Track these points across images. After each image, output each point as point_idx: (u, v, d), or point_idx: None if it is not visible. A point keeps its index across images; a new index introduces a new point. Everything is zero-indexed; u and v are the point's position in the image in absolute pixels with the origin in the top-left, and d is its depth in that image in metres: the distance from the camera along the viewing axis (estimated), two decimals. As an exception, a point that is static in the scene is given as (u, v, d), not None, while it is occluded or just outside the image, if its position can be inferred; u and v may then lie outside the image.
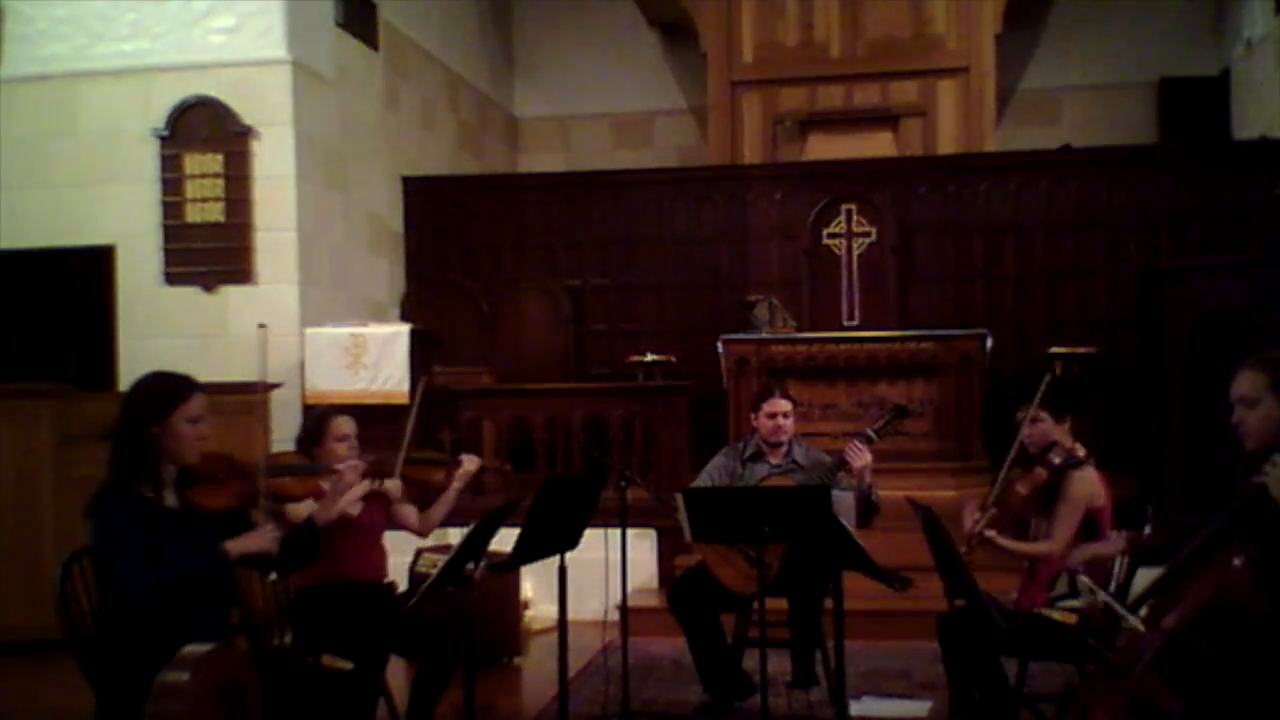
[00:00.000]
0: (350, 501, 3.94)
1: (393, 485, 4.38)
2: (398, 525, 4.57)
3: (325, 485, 3.86)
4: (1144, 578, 3.79)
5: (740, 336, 7.80)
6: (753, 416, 5.10)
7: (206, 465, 3.40)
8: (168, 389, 3.36)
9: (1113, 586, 3.95)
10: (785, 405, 4.99)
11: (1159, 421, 7.44)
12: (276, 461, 3.82)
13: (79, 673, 3.28)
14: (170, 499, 3.34)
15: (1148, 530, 4.01)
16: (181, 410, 3.31)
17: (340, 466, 3.87)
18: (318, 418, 4.40)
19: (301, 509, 3.85)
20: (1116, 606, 3.02)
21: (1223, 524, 2.84)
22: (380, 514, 4.44)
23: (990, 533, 4.10)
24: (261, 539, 3.34)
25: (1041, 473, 4.13)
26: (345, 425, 4.34)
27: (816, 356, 7.64)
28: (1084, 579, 3.52)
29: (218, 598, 3.33)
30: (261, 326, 3.86)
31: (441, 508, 4.56)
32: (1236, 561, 2.72)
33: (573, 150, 11.51)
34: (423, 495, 4.66)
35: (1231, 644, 2.72)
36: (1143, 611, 2.93)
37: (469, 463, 4.53)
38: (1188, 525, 3.41)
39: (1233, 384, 3.06)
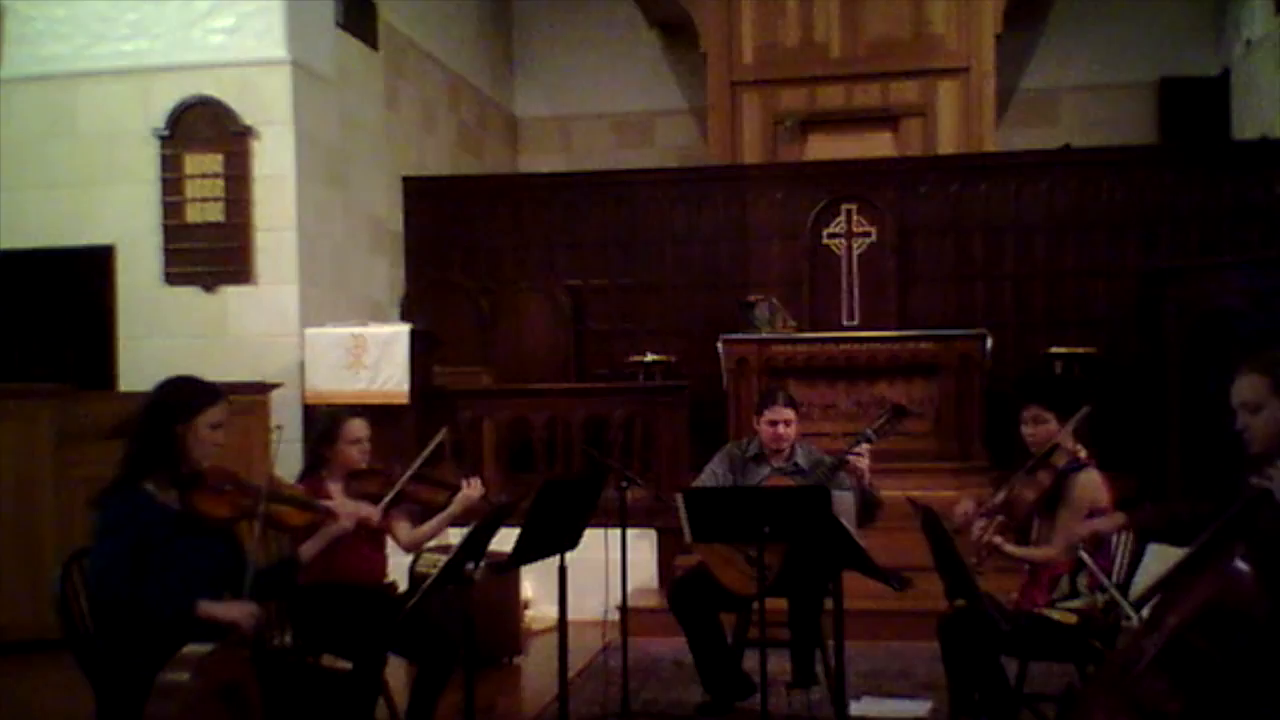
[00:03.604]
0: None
1: (398, 527, 4.37)
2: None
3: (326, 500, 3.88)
4: (1144, 574, 3.81)
5: (740, 336, 7.79)
6: (755, 420, 5.09)
7: (214, 474, 3.45)
8: (197, 392, 3.46)
9: (1115, 579, 3.95)
10: (788, 414, 4.97)
11: (1159, 421, 7.43)
12: (280, 488, 3.81)
13: (79, 673, 3.28)
14: (172, 500, 3.37)
15: (1152, 545, 4.00)
16: (207, 415, 3.41)
17: (341, 513, 3.89)
18: (331, 419, 4.38)
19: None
20: (1118, 597, 3.01)
21: (1224, 526, 2.82)
22: (384, 521, 4.43)
23: (998, 539, 4.08)
24: (238, 613, 3.31)
25: (1045, 478, 4.11)
26: (359, 429, 4.34)
27: (816, 356, 7.64)
28: (1084, 555, 3.51)
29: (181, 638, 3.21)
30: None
31: (431, 528, 4.51)
32: (1239, 563, 2.71)
33: (573, 150, 11.51)
34: (421, 513, 4.63)
35: (1232, 645, 2.71)
36: (1144, 612, 2.92)
37: (471, 488, 4.45)
38: (1186, 506, 3.39)
39: (1233, 389, 3.01)
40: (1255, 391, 2.96)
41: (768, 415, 4.98)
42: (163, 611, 3.22)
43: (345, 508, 4.02)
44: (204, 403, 3.42)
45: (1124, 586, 3.95)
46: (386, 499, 4.26)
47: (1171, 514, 3.44)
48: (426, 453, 4.44)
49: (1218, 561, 2.77)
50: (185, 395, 3.44)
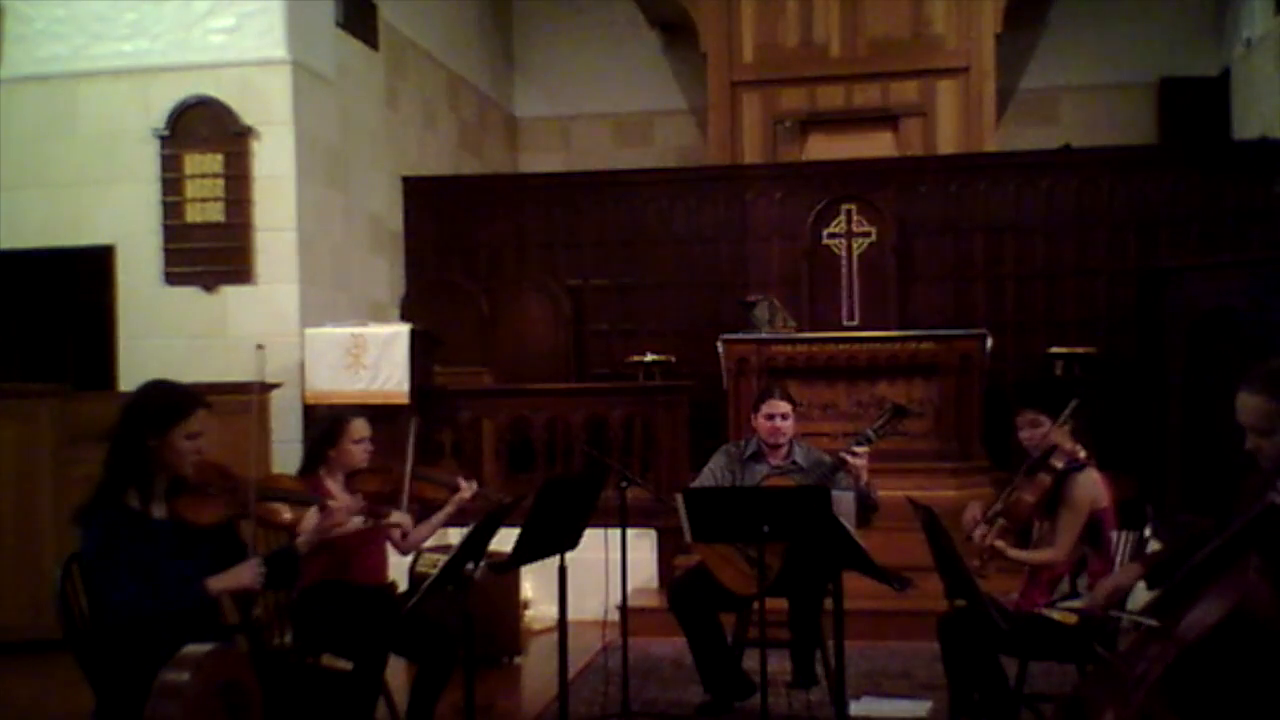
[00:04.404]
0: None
1: (401, 519, 4.34)
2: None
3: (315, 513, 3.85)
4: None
5: (740, 336, 7.79)
6: (752, 417, 5.10)
7: (199, 476, 3.37)
8: (170, 403, 3.33)
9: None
10: (784, 407, 4.99)
11: (1159, 421, 7.43)
12: (270, 484, 3.76)
13: (79, 673, 3.28)
14: (159, 510, 3.32)
15: (1153, 543, 3.97)
16: (182, 426, 3.30)
17: (333, 504, 3.87)
18: (334, 420, 4.38)
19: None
20: (1142, 619, 2.96)
21: (1234, 537, 2.80)
22: (383, 518, 4.44)
23: (999, 543, 4.08)
24: (245, 576, 3.30)
25: (1045, 479, 4.11)
26: (362, 428, 4.36)
27: (816, 356, 7.63)
28: (1114, 614, 3.47)
29: (202, 624, 3.25)
30: (260, 348, 3.78)
31: (427, 529, 4.56)
32: (1254, 576, 2.69)
33: (573, 150, 11.52)
34: (421, 512, 4.64)
35: (1245, 656, 2.69)
36: (1148, 622, 2.89)
37: (464, 489, 4.51)
38: (1191, 530, 3.37)
39: (1239, 406, 2.96)
40: (1264, 417, 2.91)
41: (765, 409, 4.99)
42: (184, 609, 3.20)
43: (345, 504, 4.00)
44: (178, 415, 3.29)
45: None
46: (406, 488, 4.31)
47: (1178, 549, 3.41)
48: (412, 441, 4.45)
49: (1232, 574, 2.74)
50: (157, 407, 3.30)
